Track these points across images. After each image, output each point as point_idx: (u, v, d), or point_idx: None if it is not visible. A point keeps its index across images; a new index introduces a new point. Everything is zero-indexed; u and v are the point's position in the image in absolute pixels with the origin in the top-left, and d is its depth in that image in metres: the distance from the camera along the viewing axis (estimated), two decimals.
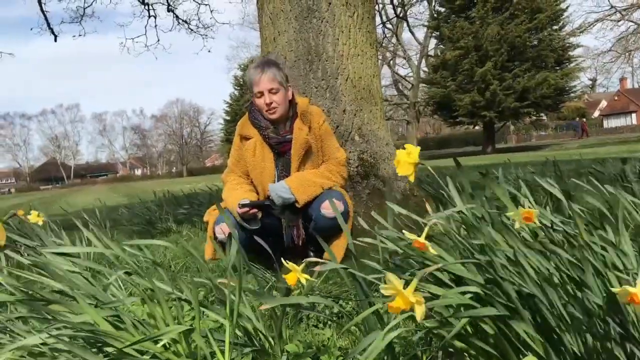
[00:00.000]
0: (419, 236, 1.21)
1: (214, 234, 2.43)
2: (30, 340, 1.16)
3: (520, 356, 1.06)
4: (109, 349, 1.19)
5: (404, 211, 1.52)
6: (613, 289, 0.91)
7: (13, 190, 60.76)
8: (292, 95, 2.55)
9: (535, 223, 1.18)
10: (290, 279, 1.24)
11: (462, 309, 1.12)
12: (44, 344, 1.19)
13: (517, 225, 1.21)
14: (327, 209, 2.35)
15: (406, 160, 1.35)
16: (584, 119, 46.44)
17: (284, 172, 2.51)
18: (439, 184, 4.45)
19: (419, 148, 1.35)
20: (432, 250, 1.19)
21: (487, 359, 1.11)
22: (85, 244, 2.88)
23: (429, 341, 1.32)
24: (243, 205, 2.34)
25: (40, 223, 2.89)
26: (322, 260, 1.24)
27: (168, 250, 3.05)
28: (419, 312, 0.95)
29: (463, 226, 1.33)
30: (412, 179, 1.36)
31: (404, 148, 1.37)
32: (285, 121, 2.52)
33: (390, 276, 0.98)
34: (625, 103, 52.12)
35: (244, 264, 1.79)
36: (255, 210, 2.37)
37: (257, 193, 2.56)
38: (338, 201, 2.37)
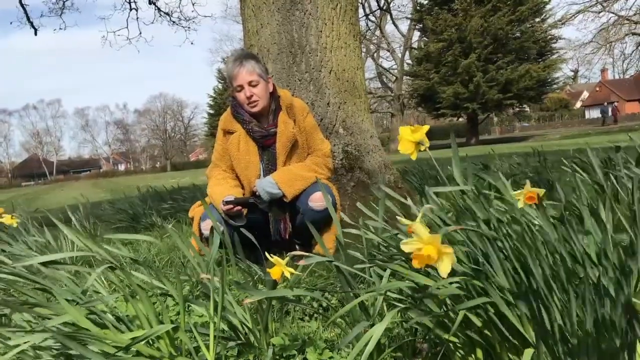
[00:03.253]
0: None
1: (200, 230, 2.41)
2: (19, 341, 1.14)
3: (507, 344, 1.07)
4: (93, 348, 1.17)
5: (394, 195, 1.52)
6: None
7: None
8: (274, 87, 2.53)
9: (537, 203, 1.11)
10: (275, 273, 1.23)
11: (447, 299, 1.13)
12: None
13: (520, 205, 1.15)
14: (315, 201, 2.35)
15: (408, 138, 1.24)
16: (616, 103, 40.88)
17: (269, 165, 2.50)
18: (423, 176, 4.48)
19: (428, 126, 1.25)
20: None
21: (472, 348, 1.12)
22: (68, 243, 2.85)
23: (414, 332, 1.32)
24: (227, 202, 2.32)
25: (15, 225, 2.84)
26: (307, 254, 1.24)
27: (152, 245, 3.03)
28: (447, 264, 0.87)
29: (450, 215, 1.33)
30: (413, 157, 1.26)
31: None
32: (268, 114, 2.51)
33: (417, 226, 0.89)
34: (607, 94, 52.73)
35: (230, 257, 1.78)
36: (239, 207, 2.35)
37: (243, 187, 2.54)
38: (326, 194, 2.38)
